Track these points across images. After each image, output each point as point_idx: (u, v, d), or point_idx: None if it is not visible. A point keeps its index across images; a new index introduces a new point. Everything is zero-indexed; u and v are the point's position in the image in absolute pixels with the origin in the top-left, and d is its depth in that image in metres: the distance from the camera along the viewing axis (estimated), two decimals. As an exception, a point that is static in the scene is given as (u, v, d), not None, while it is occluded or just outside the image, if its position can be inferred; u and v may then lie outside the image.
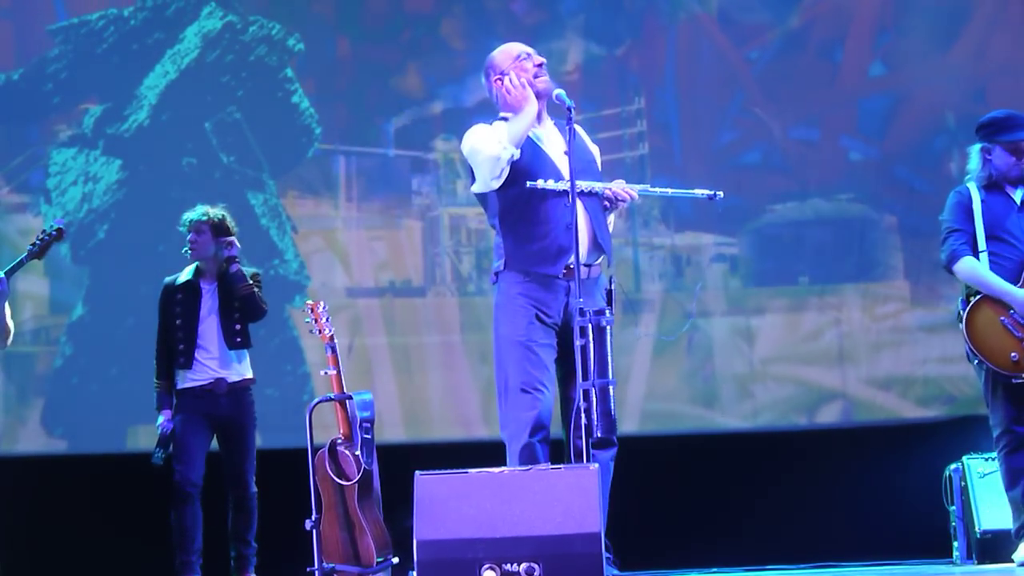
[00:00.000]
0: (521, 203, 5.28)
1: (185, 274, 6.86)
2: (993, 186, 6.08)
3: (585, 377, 5.16)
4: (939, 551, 7.24)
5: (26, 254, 6.18)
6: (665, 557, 6.25)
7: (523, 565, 4.70)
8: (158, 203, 8.13)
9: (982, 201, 6.05)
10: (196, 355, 6.70)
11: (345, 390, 5.75)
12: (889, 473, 7.90)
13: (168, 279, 6.89)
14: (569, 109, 5.26)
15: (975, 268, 6.00)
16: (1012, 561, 5.96)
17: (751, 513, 7.80)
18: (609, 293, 5.36)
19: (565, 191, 5.19)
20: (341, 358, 5.82)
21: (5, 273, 6.11)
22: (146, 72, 8.42)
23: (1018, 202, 6.07)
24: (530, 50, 5.42)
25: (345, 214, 8.42)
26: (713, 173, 8.22)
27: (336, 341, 5.78)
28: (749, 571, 7.35)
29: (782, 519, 7.77)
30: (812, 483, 7.91)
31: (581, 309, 5.15)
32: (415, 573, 4.82)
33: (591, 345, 5.16)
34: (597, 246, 5.34)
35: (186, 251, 6.81)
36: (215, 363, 6.74)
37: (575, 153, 5.21)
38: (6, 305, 6.22)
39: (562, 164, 5.28)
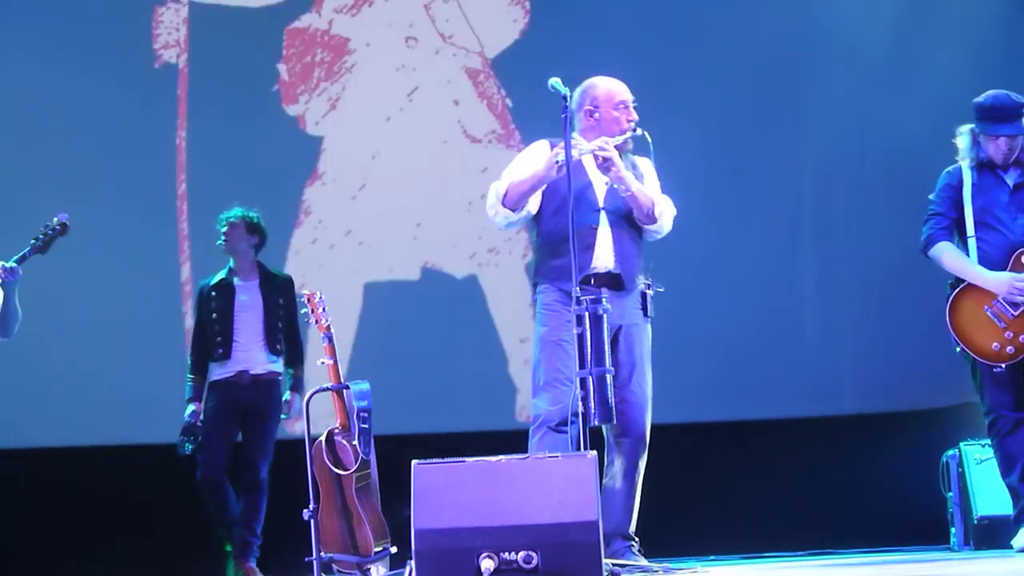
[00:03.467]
0: (551, 222, 5.54)
1: (219, 275, 7.24)
2: (985, 167, 6.05)
3: (582, 365, 5.18)
4: (937, 537, 7.25)
5: (28, 248, 6.12)
6: (663, 546, 6.25)
7: (521, 554, 4.70)
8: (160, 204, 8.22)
9: (973, 184, 6.03)
10: (233, 347, 7.06)
11: (342, 380, 5.75)
12: (886, 460, 7.92)
13: (203, 282, 7.27)
14: (564, 98, 5.30)
15: (950, 252, 6.02)
16: (1011, 547, 5.97)
17: (749, 502, 7.81)
18: (644, 296, 5.58)
19: (593, 214, 5.50)
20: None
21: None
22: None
23: (1011, 185, 6.03)
24: (631, 99, 5.62)
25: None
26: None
27: (332, 331, 5.78)
28: (747, 559, 7.36)
29: (779, 507, 7.78)
30: (809, 471, 7.93)
31: (578, 298, 5.19)
32: (413, 562, 4.82)
33: (588, 333, 5.19)
34: (621, 265, 5.52)
35: (220, 243, 7.19)
36: (243, 355, 7.10)
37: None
38: (16, 291, 6.16)
39: (600, 193, 5.55)
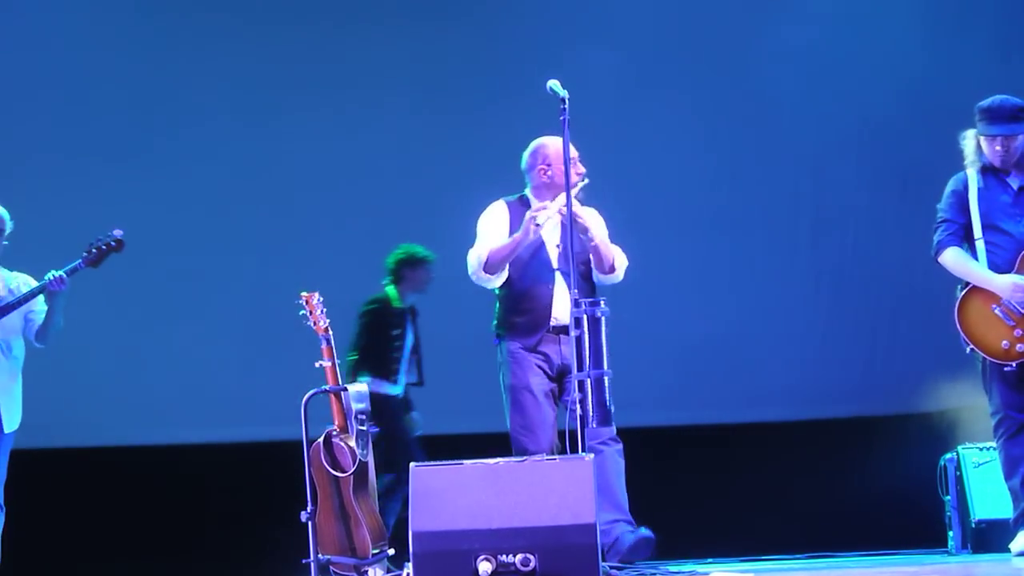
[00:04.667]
0: (511, 280, 5.90)
1: (396, 300, 7.62)
2: (990, 171, 6.08)
3: (580, 368, 5.21)
4: (934, 541, 7.25)
5: (80, 260, 5.98)
6: (661, 549, 6.25)
7: (519, 556, 4.71)
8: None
9: (979, 189, 6.06)
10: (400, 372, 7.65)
11: (340, 382, 5.75)
12: (884, 463, 7.92)
13: (380, 296, 7.69)
14: (563, 100, 5.36)
15: (958, 258, 6.04)
16: (1009, 550, 5.97)
17: (747, 504, 7.81)
18: None
19: (548, 274, 5.81)
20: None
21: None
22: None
23: (1015, 188, 6.06)
24: (577, 154, 5.84)
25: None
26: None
27: (331, 333, 5.77)
28: (745, 561, 7.36)
29: (778, 510, 7.78)
30: (808, 474, 7.93)
31: (576, 300, 5.25)
32: (411, 564, 4.82)
33: (586, 336, 5.23)
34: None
35: (421, 284, 7.71)
36: (401, 380, 7.70)
37: (570, 244, 5.54)
38: (62, 303, 6.09)
39: (553, 255, 5.86)
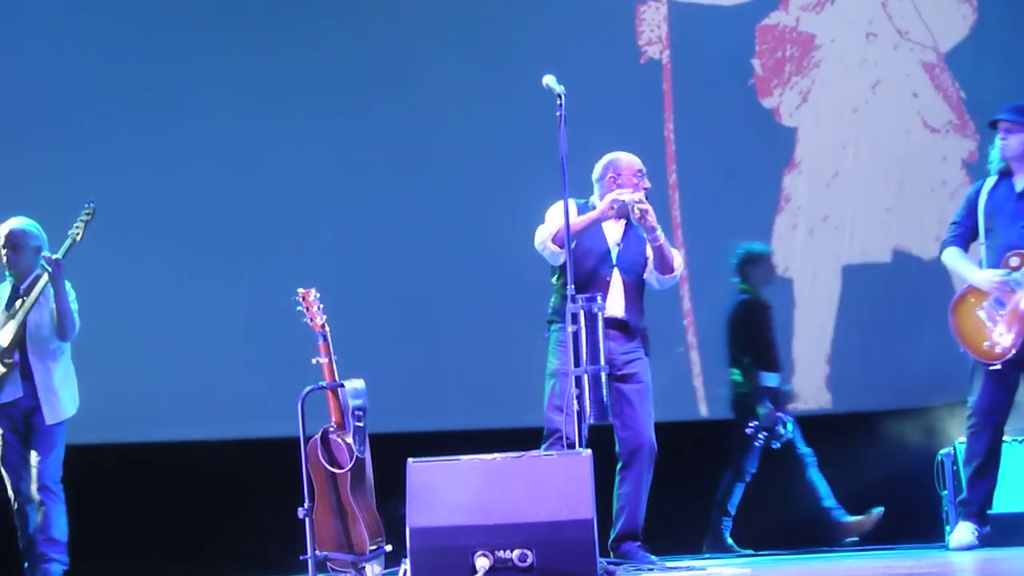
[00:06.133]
0: (566, 269, 5.79)
1: (757, 295, 7.86)
2: (1005, 173, 6.31)
3: (577, 363, 5.23)
4: (931, 535, 7.25)
5: (70, 240, 6.13)
6: (660, 544, 6.27)
7: (516, 552, 4.72)
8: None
9: (988, 192, 6.31)
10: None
11: (337, 378, 5.74)
12: (882, 458, 7.93)
13: (745, 296, 7.80)
14: (559, 96, 5.38)
15: (951, 257, 6.37)
16: (1009, 545, 6.08)
17: (745, 499, 7.81)
18: (644, 337, 6.07)
19: (607, 268, 6.01)
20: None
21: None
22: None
23: (1017, 191, 6.24)
24: (644, 169, 6.13)
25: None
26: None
27: (327, 329, 5.76)
28: (742, 556, 7.36)
29: (776, 505, 7.78)
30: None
31: (573, 296, 5.27)
32: (408, 560, 4.82)
33: (583, 331, 5.25)
34: (628, 313, 5.99)
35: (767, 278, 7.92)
36: None
37: (631, 244, 6.03)
38: (70, 291, 6.21)
39: (613, 251, 6.04)
